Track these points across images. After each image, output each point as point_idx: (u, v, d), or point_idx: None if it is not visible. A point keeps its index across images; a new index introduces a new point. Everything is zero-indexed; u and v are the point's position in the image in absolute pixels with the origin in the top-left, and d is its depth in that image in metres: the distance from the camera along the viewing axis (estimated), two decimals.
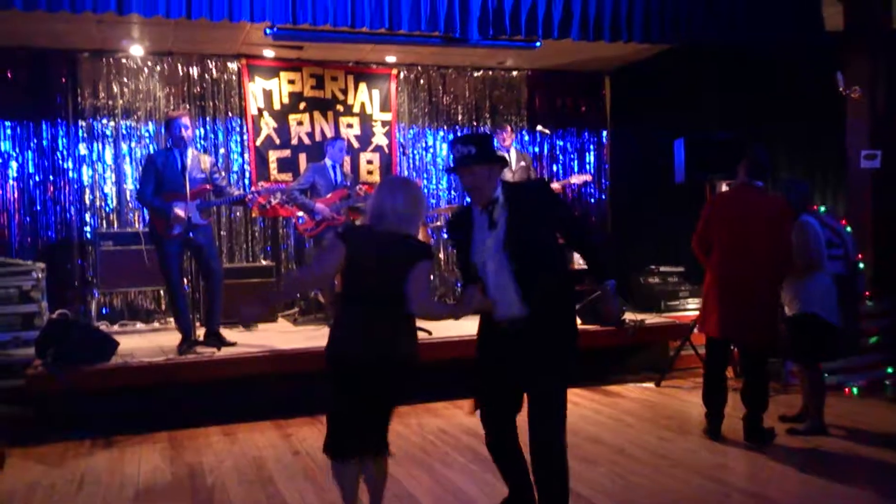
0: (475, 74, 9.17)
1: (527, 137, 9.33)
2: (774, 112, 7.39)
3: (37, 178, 7.85)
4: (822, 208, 6.64)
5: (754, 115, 7.44)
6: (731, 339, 4.99)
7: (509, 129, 8.06)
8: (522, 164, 7.88)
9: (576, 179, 8.60)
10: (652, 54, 8.29)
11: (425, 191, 8.96)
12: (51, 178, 7.89)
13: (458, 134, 9.16)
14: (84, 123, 7.96)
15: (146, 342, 6.65)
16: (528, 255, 3.32)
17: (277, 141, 8.42)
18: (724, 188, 7.08)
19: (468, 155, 3.33)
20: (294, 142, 8.47)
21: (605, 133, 9.70)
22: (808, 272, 4.96)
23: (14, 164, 7.75)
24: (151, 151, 7.58)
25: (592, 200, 9.67)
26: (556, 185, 8.24)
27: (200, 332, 6.35)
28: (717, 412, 5.01)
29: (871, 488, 4.13)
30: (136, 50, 7.92)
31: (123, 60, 8.03)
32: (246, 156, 8.41)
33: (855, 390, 6.06)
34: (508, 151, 7.81)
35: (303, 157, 8.42)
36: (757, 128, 7.31)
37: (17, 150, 7.76)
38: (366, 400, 3.26)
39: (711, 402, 5.03)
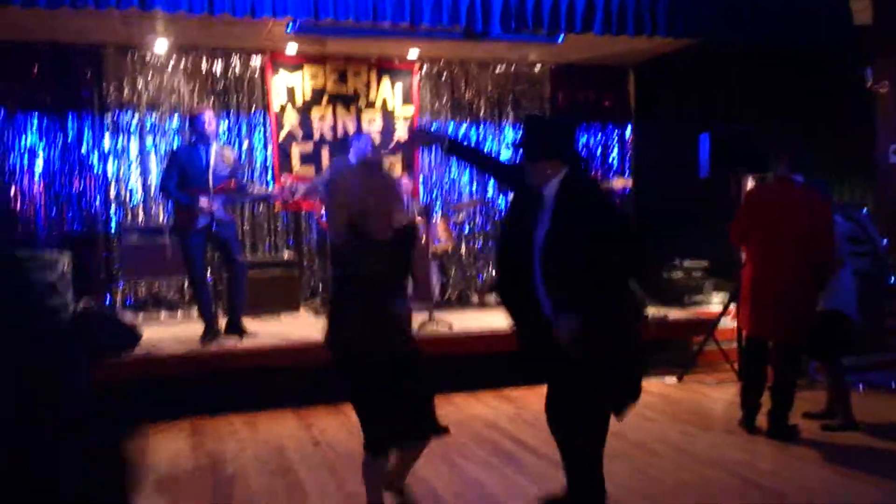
0: (498, 69, 9.14)
1: None
2: (801, 107, 7.30)
3: (63, 172, 7.94)
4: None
5: (780, 110, 7.35)
6: (767, 337, 4.92)
7: None
8: None
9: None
10: (677, 48, 8.21)
11: (447, 185, 8.95)
12: (76, 171, 7.98)
13: (479, 127, 9.14)
14: (109, 117, 8.04)
15: (169, 333, 6.69)
16: (555, 265, 3.13)
17: (300, 135, 8.45)
18: (751, 183, 7.02)
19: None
20: (316, 136, 8.49)
21: (629, 127, 9.63)
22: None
23: (41, 158, 7.85)
24: (175, 146, 7.64)
25: (620, 196, 9.59)
26: None
27: (223, 323, 6.39)
28: (752, 404, 4.98)
29: None
30: (161, 45, 7.97)
31: (148, 55, 8.08)
32: (269, 150, 8.45)
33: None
34: None
35: (325, 152, 8.45)
36: (783, 122, 7.23)
37: (44, 143, 7.86)
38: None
39: (747, 395, 5.01)
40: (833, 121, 7.22)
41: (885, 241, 6.35)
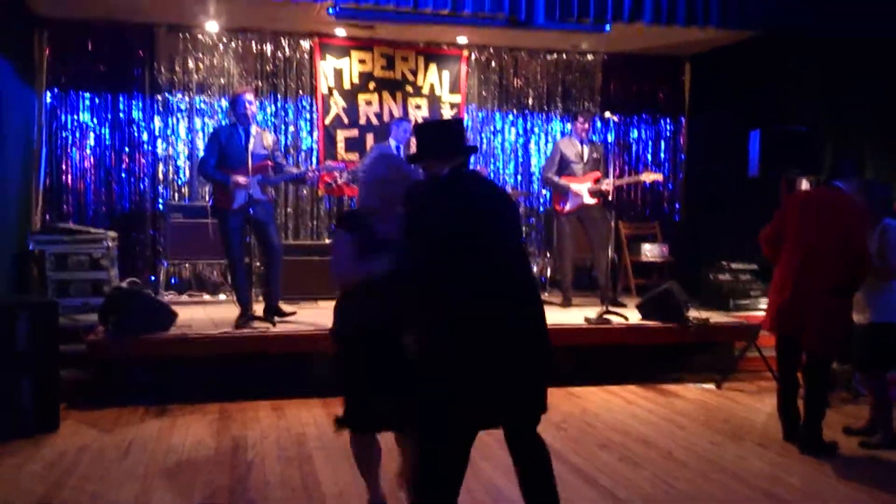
0: (548, 57, 8.97)
1: (599, 124, 9.07)
2: (862, 105, 6.96)
3: (113, 150, 8.08)
4: None
5: (839, 108, 7.02)
6: (789, 338, 4.74)
7: (581, 118, 7.50)
8: (595, 156, 7.50)
9: (647, 177, 7.83)
10: (737, 40, 7.91)
11: (492, 175, 8.83)
12: (126, 149, 8.11)
13: (527, 117, 9.00)
14: (160, 97, 8.15)
15: (207, 314, 6.78)
16: None
17: (346, 120, 8.44)
18: (805, 185, 6.75)
19: None
20: (362, 121, 8.47)
21: (682, 120, 9.36)
22: (885, 279, 4.67)
23: (92, 135, 8.01)
24: (215, 126, 7.70)
25: (666, 192, 9.37)
26: (620, 181, 7.76)
27: (261, 308, 6.42)
28: (788, 411, 4.81)
29: None
30: (212, 26, 8.04)
31: (199, 36, 8.16)
32: (315, 135, 8.47)
33: None
34: (584, 143, 7.47)
35: (370, 137, 8.42)
36: (841, 121, 6.90)
37: (95, 121, 8.01)
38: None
39: (780, 401, 4.85)
40: None
41: None
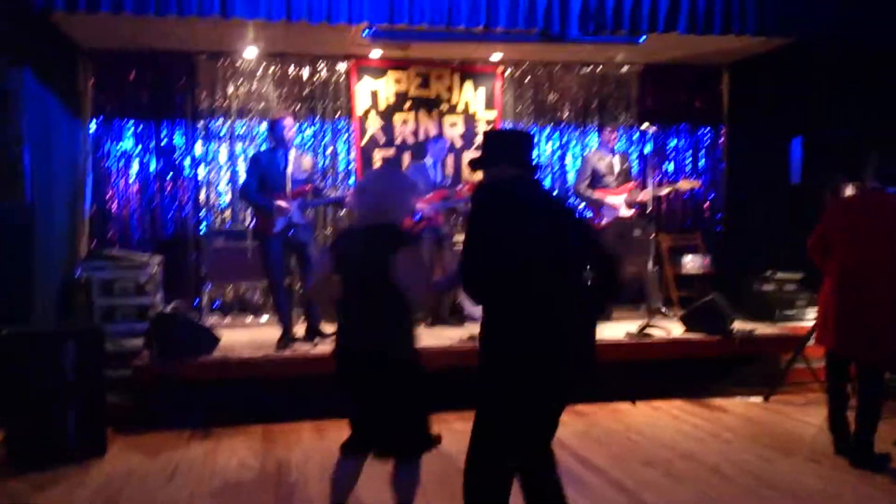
0: (584, 70, 8.92)
1: (636, 136, 9.01)
2: None
3: (156, 177, 8.23)
4: None
5: (883, 114, 6.86)
6: (848, 355, 4.62)
7: (608, 128, 7.66)
8: (625, 166, 7.54)
9: (684, 185, 7.87)
10: (774, 47, 7.80)
11: None
12: (169, 175, 8.26)
13: (563, 131, 8.97)
14: (201, 123, 8.28)
15: (250, 336, 6.85)
16: None
17: (382, 140, 8.49)
18: (850, 191, 6.59)
19: None
20: (398, 141, 8.52)
21: (721, 129, 9.23)
22: None
23: (135, 163, 8.18)
24: (254, 151, 7.79)
25: (707, 202, 9.25)
26: (659, 190, 7.77)
27: (302, 329, 6.47)
28: (837, 426, 4.68)
29: None
30: (251, 52, 8.15)
31: (238, 62, 8.29)
32: (352, 155, 8.53)
33: None
34: (613, 154, 7.50)
35: (406, 157, 8.46)
36: (882, 127, 6.75)
37: (139, 148, 8.17)
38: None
39: (832, 417, 4.72)
40: None
41: None
